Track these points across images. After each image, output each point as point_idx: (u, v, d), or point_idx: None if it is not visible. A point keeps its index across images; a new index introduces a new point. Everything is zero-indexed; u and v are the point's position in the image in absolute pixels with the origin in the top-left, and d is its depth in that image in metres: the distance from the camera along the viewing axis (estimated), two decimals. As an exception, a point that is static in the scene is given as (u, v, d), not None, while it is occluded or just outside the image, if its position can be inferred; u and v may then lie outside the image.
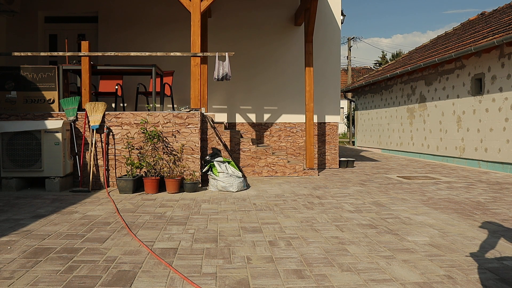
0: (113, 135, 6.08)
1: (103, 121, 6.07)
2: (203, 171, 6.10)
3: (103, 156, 6.04)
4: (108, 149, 6.08)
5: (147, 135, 5.84)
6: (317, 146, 9.05)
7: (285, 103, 8.96)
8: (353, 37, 29.43)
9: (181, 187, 5.83)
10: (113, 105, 7.49)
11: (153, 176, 5.72)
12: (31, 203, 4.81)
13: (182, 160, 6.03)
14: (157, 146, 6.02)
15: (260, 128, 8.92)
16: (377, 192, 5.80)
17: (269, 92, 8.96)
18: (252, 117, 8.95)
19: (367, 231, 3.63)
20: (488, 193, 5.72)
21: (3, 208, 4.48)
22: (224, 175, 5.79)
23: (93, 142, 5.97)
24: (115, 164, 6.05)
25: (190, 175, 6.02)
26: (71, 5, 8.87)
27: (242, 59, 8.74)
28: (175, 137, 6.08)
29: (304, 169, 7.51)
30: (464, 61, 9.91)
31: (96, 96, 7.32)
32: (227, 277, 2.52)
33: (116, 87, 7.12)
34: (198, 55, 6.19)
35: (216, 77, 6.27)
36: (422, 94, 11.97)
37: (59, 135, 5.66)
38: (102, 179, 6.04)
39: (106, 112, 6.11)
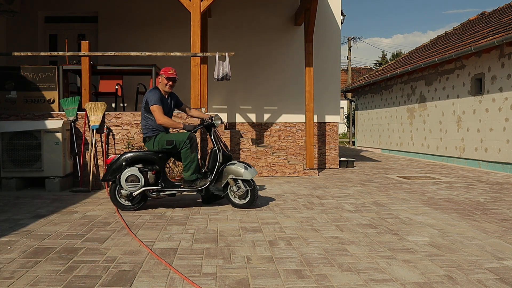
0: (113, 135, 6.08)
1: (103, 121, 6.07)
2: (203, 171, 6.09)
3: (103, 156, 6.03)
4: (108, 149, 6.08)
5: (147, 135, 5.84)
6: (317, 146, 9.05)
7: (285, 103, 8.95)
8: (353, 37, 29.43)
9: (181, 187, 5.82)
10: (113, 105, 7.49)
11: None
12: (31, 203, 4.81)
13: (182, 160, 6.02)
14: (157, 146, 6.01)
15: (260, 128, 8.92)
16: (377, 192, 5.80)
17: (269, 92, 8.96)
18: (252, 117, 8.95)
19: (367, 231, 3.64)
20: (488, 193, 5.72)
21: (3, 208, 4.48)
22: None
23: (93, 142, 5.97)
24: (115, 164, 6.04)
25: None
26: (71, 5, 8.86)
27: (242, 59, 8.74)
28: (175, 137, 6.07)
29: (304, 169, 7.51)
30: (464, 61, 9.90)
31: (96, 96, 7.31)
32: (227, 277, 2.52)
33: (116, 87, 7.11)
34: (198, 55, 6.18)
35: (216, 77, 6.27)
36: (422, 94, 11.97)
37: (59, 135, 5.66)
38: (102, 179, 6.03)
39: (106, 112, 6.11)
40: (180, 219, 4.04)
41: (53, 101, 6.24)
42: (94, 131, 5.99)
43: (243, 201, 4.56)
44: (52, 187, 5.61)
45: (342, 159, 9.23)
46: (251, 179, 4.51)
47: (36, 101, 6.21)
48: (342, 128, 30.79)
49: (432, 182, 6.83)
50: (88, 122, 6.04)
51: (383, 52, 63.99)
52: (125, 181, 4.30)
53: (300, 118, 8.89)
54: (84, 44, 6.25)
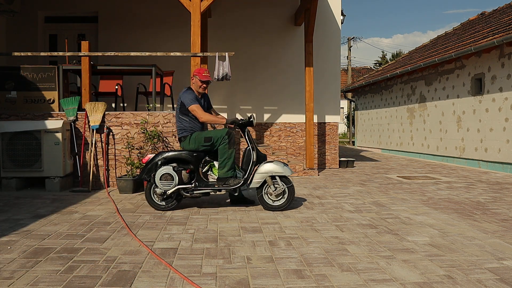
0: (113, 135, 6.08)
1: (103, 121, 6.07)
2: (203, 171, 6.08)
3: (103, 156, 6.04)
4: (108, 149, 6.08)
5: (147, 135, 5.84)
6: (317, 146, 9.05)
7: (285, 103, 8.95)
8: (353, 37, 29.42)
9: (181, 187, 5.81)
10: (113, 105, 7.49)
11: (153, 176, 5.72)
12: (31, 203, 4.81)
13: (182, 160, 6.02)
14: (157, 146, 6.01)
15: (260, 128, 8.92)
16: (377, 192, 5.80)
17: (269, 92, 8.96)
18: (252, 117, 8.93)
19: (367, 231, 3.64)
20: (488, 193, 5.72)
21: (3, 208, 4.48)
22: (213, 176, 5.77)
23: (93, 142, 5.97)
24: (115, 164, 6.05)
25: (190, 175, 6.01)
26: (71, 5, 8.86)
27: (242, 59, 8.74)
28: (175, 137, 6.08)
29: (304, 169, 7.51)
30: (464, 61, 9.90)
31: (96, 96, 7.31)
32: (227, 277, 2.52)
33: (116, 87, 7.11)
34: (198, 55, 6.18)
35: (216, 77, 6.26)
36: (422, 94, 11.97)
37: (59, 135, 5.66)
38: (102, 179, 6.04)
39: (106, 112, 6.11)
40: (180, 219, 4.04)
41: (53, 101, 6.24)
42: (94, 131, 5.99)
43: (281, 200, 4.45)
44: (52, 187, 5.61)
45: (342, 159, 9.23)
46: (288, 177, 4.49)
47: (36, 101, 6.21)
48: (342, 128, 30.79)
49: (432, 182, 6.83)
50: (88, 122, 6.04)
51: (383, 52, 64.01)
52: (159, 180, 4.34)
53: (300, 118, 8.89)
54: (84, 44, 6.25)
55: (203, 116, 4.53)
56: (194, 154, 4.48)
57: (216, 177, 4.54)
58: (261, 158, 4.53)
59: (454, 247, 3.17)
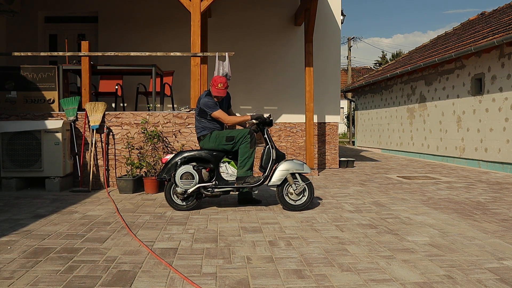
0: (113, 135, 6.08)
1: (103, 121, 6.07)
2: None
3: (103, 156, 6.04)
4: (108, 149, 6.08)
5: (147, 135, 5.84)
6: (317, 146, 9.05)
7: (285, 103, 8.95)
8: (353, 37, 29.41)
9: (181, 187, 5.81)
10: (113, 105, 7.49)
11: (153, 176, 5.72)
12: (31, 203, 4.81)
13: (182, 160, 6.02)
14: (157, 146, 6.02)
15: (260, 128, 8.90)
16: (377, 192, 5.80)
17: (269, 92, 8.95)
18: (252, 117, 8.93)
19: (367, 231, 3.64)
20: (488, 193, 5.72)
21: (3, 208, 4.48)
22: (224, 175, 5.77)
23: (93, 142, 5.97)
24: (115, 164, 6.05)
25: (190, 175, 6.01)
26: (71, 5, 8.86)
27: (242, 59, 8.73)
28: (175, 137, 6.08)
29: (304, 169, 7.49)
30: (464, 61, 9.90)
31: (96, 96, 7.31)
32: (227, 277, 2.52)
33: (116, 87, 7.11)
34: (198, 55, 6.18)
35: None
36: (422, 94, 11.97)
37: (59, 135, 5.66)
38: (102, 179, 6.03)
39: (106, 112, 6.11)
40: (180, 219, 4.04)
41: (53, 101, 6.24)
42: (94, 131, 5.99)
43: (303, 199, 4.46)
44: (52, 187, 5.61)
45: (342, 159, 9.23)
46: (305, 175, 4.51)
47: (36, 101, 6.21)
48: (342, 128, 30.78)
49: (432, 182, 6.82)
50: (88, 122, 6.04)
51: (383, 52, 64.00)
52: (180, 179, 4.36)
53: (300, 118, 8.89)
54: (84, 44, 6.25)
55: (228, 120, 4.56)
56: (214, 153, 4.51)
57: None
58: (280, 157, 4.56)
59: (454, 247, 3.17)
